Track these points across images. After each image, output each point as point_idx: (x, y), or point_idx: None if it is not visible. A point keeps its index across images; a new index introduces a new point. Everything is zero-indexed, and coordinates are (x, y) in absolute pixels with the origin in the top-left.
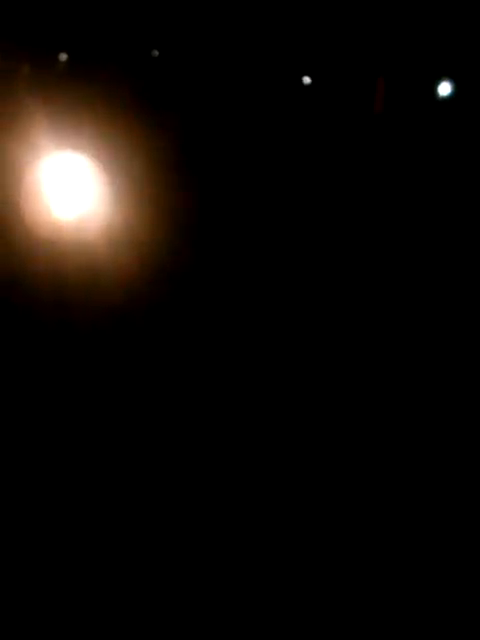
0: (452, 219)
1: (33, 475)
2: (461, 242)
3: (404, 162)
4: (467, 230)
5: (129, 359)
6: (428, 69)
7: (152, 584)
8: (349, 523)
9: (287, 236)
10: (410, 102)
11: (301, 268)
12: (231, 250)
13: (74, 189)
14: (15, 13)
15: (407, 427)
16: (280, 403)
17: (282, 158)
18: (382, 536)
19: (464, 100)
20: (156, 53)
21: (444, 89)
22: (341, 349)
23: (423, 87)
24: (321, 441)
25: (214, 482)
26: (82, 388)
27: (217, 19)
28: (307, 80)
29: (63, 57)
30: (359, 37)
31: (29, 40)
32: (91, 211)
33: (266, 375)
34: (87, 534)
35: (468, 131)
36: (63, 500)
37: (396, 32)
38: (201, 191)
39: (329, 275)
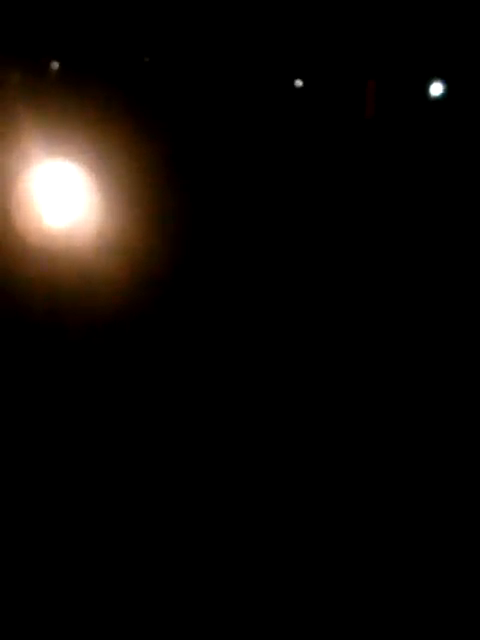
0: (447, 219)
1: (29, 483)
2: (455, 241)
3: (397, 164)
4: (462, 230)
5: (121, 365)
6: (419, 70)
7: (152, 584)
8: (349, 522)
9: (280, 239)
10: (402, 103)
11: (295, 271)
12: (223, 256)
13: (65, 197)
14: (6, 22)
15: (407, 426)
16: (275, 407)
17: (274, 162)
18: (382, 535)
19: (456, 100)
20: (147, 60)
21: (436, 89)
22: (334, 356)
23: (415, 88)
24: (321, 443)
25: (212, 489)
26: (75, 394)
27: (209, 25)
28: (299, 83)
29: (54, 65)
30: (350, 40)
31: (20, 48)
32: (82, 218)
33: (260, 379)
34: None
35: (461, 130)
36: (59, 506)
37: (386, 34)
38: (192, 197)
39: (324, 279)
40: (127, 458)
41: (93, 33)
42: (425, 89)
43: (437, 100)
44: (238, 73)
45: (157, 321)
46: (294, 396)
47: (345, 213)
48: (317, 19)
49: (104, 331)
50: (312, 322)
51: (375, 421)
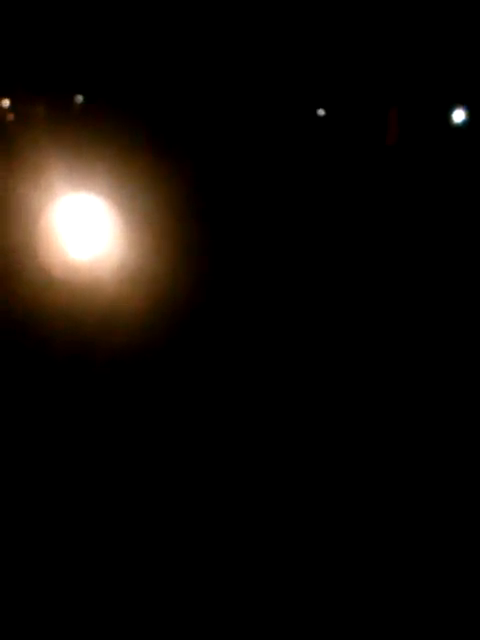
0: (470, 246)
1: (50, 520)
2: (476, 269)
3: (420, 191)
4: None
5: (146, 397)
6: (441, 97)
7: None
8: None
9: (304, 267)
10: (424, 130)
11: (320, 300)
12: (248, 286)
13: (89, 230)
14: (32, 56)
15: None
16: (293, 437)
17: (298, 191)
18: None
19: (479, 127)
20: (170, 92)
21: (458, 116)
22: (346, 376)
23: (437, 115)
24: (333, 464)
25: (224, 516)
26: (99, 426)
27: (231, 57)
28: (321, 112)
29: (78, 99)
30: (371, 69)
31: (45, 82)
32: (106, 251)
33: (281, 406)
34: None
35: None
36: (72, 530)
37: (408, 62)
38: (216, 229)
39: (349, 306)
40: (150, 492)
41: (117, 67)
42: (447, 116)
43: (459, 127)
44: (261, 104)
45: (181, 352)
46: (320, 436)
47: (369, 240)
48: (338, 49)
49: (128, 363)
50: (338, 353)
51: (389, 436)
